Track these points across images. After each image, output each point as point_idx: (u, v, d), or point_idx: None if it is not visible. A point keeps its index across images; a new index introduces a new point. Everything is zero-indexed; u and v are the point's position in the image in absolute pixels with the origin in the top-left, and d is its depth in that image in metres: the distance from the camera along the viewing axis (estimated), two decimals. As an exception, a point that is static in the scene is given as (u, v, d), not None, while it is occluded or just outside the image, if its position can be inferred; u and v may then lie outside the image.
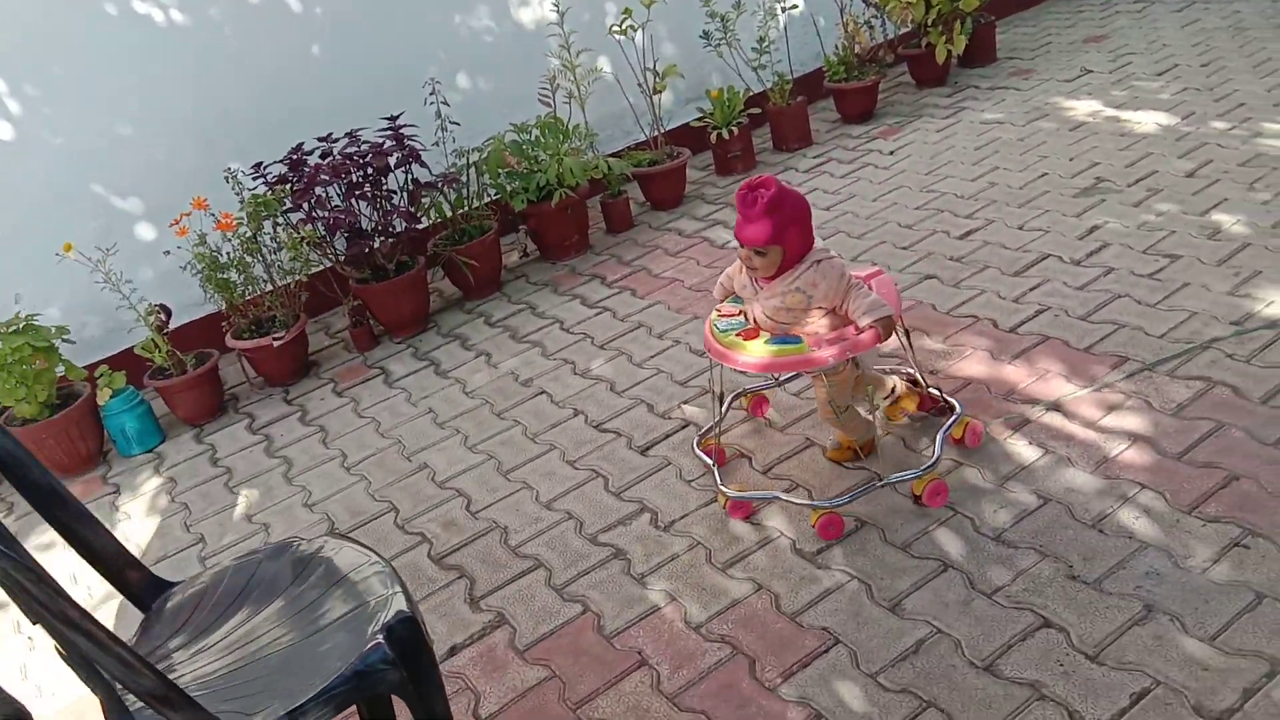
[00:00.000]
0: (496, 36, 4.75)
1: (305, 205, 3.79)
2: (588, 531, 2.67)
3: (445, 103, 4.26)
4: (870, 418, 2.62)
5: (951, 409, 2.64)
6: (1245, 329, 2.81)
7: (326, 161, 3.82)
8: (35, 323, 3.52)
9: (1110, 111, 4.58)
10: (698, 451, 2.79)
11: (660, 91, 4.77)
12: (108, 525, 3.24)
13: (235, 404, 3.92)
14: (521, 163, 4.30)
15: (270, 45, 4.19)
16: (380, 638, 1.39)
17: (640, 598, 2.39)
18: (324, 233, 3.86)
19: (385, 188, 3.96)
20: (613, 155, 4.82)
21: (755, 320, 2.41)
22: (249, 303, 3.88)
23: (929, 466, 2.46)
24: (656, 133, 4.86)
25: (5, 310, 3.63)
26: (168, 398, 3.80)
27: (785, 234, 2.24)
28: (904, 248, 3.79)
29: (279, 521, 3.07)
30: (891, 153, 4.76)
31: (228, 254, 3.78)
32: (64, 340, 3.60)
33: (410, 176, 4.02)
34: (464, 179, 4.28)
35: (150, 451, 3.72)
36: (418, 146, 3.97)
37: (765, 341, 2.33)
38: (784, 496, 2.52)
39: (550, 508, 2.81)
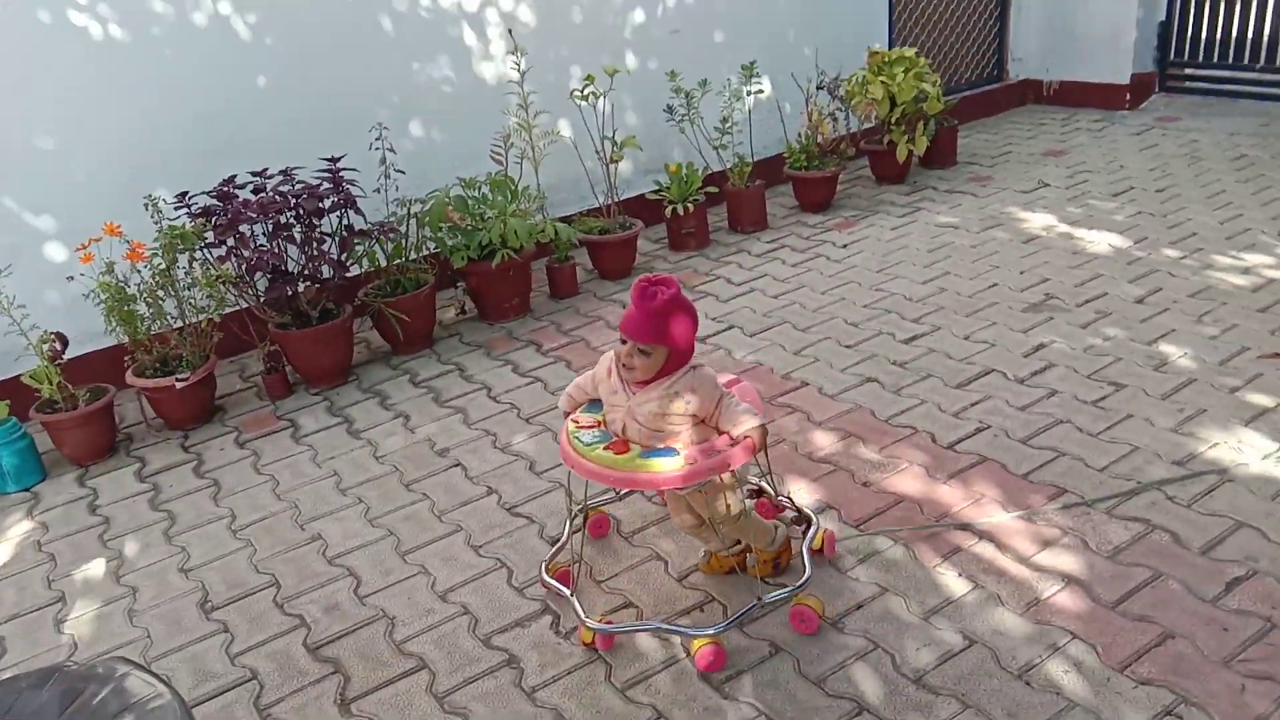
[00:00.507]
0: (455, 88, 4.62)
1: (227, 241, 3.57)
2: (482, 631, 2.45)
3: (391, 149, 4.10)
4: (769, 523, 2.51)
5: (808, 521, 2.55)
6: (1192, 473, 2.72)
7: (257, 198, 3.62)
8: (-88, 341, 3.24)
9: (1064, 228, 4.57)
10: (546, 578, 2.50)
11: (617, 161, 4.66)
12: (-44, 574, 2.95)
13: (129, 446, 3.64)
14: (465, 219, 4.14)
15: (212, 71, 4.00)
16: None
17: (528, 715, 2.17)
18: (243, 272, 3.64)
19: (317, 231, 3.76)
20: (564, 219, 4.69)
21: (620, 431, 2.24)
22: (155, 338, 3.63)
23: (797, 587, 2.33)
24: (610, 201, 4.74)
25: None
26: (54, 433, 3.52)
27: (676, 336, 2.13)
28: (848, 346, 3.68)
29: (148, 585, 2.80)
30: (845, 246, 4.69)
31: (137, 285, 3.54)
32: (-57, 362, 3.32)
33: (344, 222, 3.83)
34: (404, 229, 4.11)
35: (27, 491, 3.42)
36: (356, 193, 3.79)
37: (639, 456, 2.16)
38: (664, 626, 2.31)
39: (446, 599, 2.59)
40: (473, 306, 4.46)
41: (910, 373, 3.43)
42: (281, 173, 3.74)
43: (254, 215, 3.56)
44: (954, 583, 2.42)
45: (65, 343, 3.52)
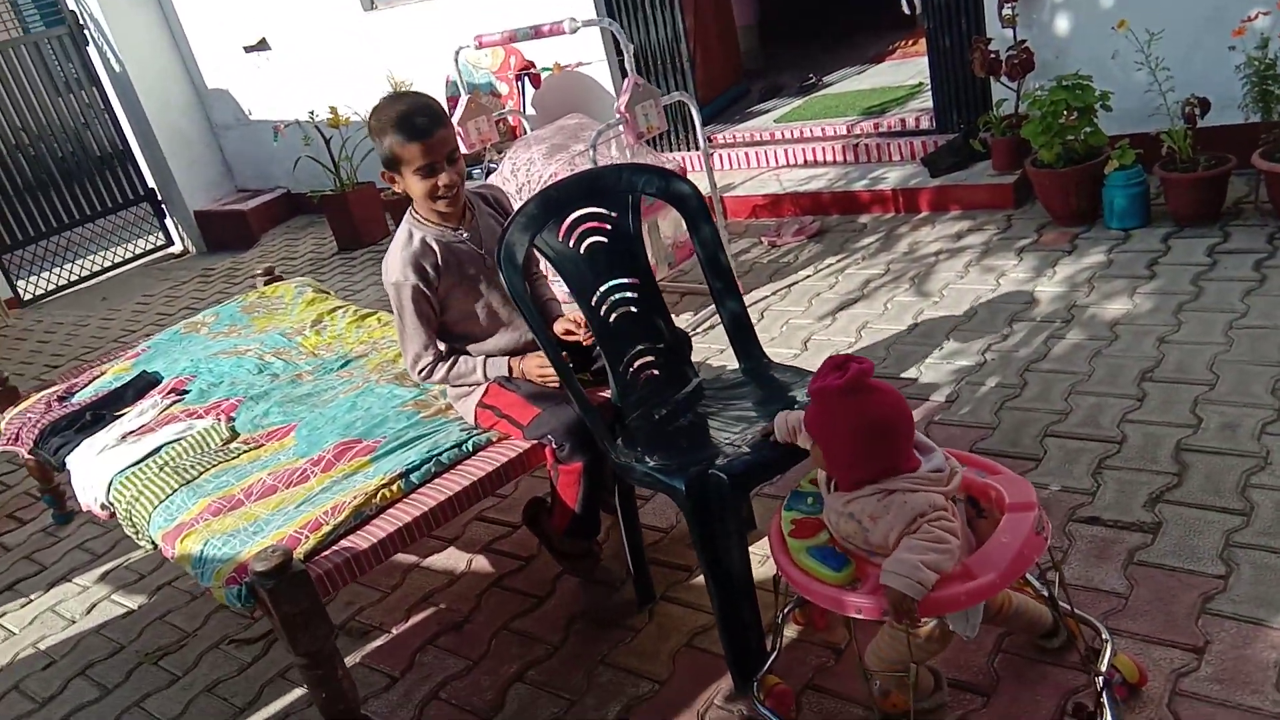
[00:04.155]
0: None
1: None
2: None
3: None
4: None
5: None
6: None
7: None
8: (1085, 84, 3.89)
9: None
10: (760, 706, 2.06)
11: None
12: (1028, 274, 3.73)
13: (1226, 220, 3.75)
14: None
15: None
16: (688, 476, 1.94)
17: None
18: None
19: None
20: None
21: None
22: (1291, 122, 3.52)
23: None
24: None
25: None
26: (1167, 189, 3.86)
27: (832, 437, 1.73)
28: None
29: (1126, 338, 3.13)
30: None
31: (1292, 63, 3.44)
32: (1102, 106, 3.91)
33: None
34: None
35: (1124, 230, 3.92)
36: None
37: (807, 549, 1.78)
38: None
39: (1343, 478, 2.31)
40: None
41: None
42: None
43: None
44: None
45: (1206, 109, 3.71)
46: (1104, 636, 1.92)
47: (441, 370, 2.46)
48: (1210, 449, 2.52)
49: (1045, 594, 2.04)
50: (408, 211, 2.48)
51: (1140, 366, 2.97)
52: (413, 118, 2.28)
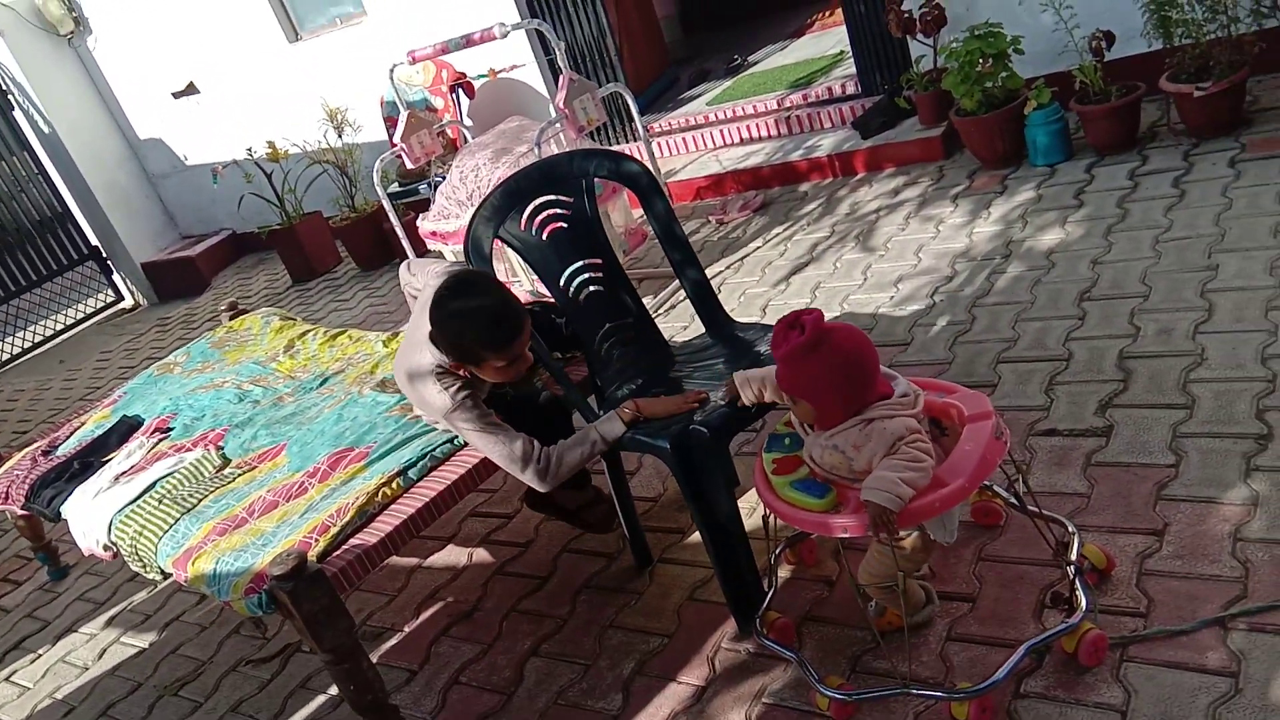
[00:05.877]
0: None
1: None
2: (1268, 402, 2.35)
3: None
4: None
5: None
6: None
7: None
8: (997, 31, 4.08)
9: None
10: (764, 639, 2.16)
11: None
12: (964, 218, 3.91)
13: (1144, 143, 3.96)
14: None
15: None
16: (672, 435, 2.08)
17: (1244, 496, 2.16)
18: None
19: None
20: None
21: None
22: (1191, 45, 3.72)
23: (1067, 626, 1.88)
24: None
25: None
26: (1085, 122, 4.06)
27: (814, 390, 1.82)
28: None
29: (1063, 264, 3.31)
30: None
31: (1183, -10, 3.64)
32: (1014, 51, 4.09)
33: None
34: None
35: (1049, 167, 4.11)
36: None
37: (791, 483, 1.90)
38: (916, 690, 1.93)
39: (1265, 363, 2.49)
40: None
41: None
42: None
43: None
44: None
45: (1111, 41, 3.91)
46: (1070, 530, 2.07)
47: (554, 455, 2.22)
48: (1150, 353, 2.70)
49: (1012, 502, 2.20)
50: (439, 368, 2.24)
51: (1078, 288, 3.15)
52: (503, 325, 2.14)
